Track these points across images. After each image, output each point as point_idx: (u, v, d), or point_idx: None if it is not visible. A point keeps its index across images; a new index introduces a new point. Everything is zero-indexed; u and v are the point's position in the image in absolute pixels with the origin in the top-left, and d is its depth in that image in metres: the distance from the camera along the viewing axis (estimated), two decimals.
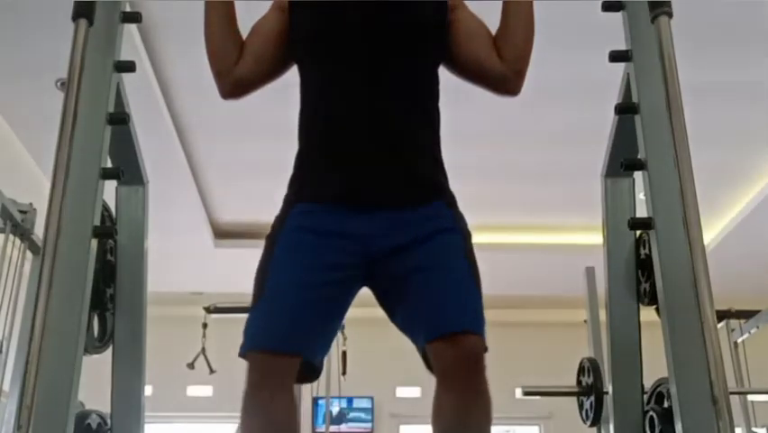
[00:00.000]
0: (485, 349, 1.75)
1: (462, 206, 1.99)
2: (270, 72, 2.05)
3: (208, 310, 4.95)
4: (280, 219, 1.91)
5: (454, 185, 2.02)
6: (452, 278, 1.82)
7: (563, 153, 5.89)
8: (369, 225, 1.85)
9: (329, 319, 1.87)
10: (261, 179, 5.30)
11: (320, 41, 1.99)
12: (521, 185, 6.53)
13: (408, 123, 1.93)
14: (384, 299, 1.91)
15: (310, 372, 1.87)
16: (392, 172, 1.89)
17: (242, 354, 1.77)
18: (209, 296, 5.46)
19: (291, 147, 2.04)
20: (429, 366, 1.85)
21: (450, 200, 1.94)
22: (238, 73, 2.01)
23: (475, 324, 1.76)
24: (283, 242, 1.86)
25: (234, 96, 2.05)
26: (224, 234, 7.46)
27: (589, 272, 4.57)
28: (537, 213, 7.12)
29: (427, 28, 2.00)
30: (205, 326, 5.09)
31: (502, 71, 2.02)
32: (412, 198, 1.88)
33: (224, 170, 6.36)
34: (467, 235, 1.90)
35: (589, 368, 3.70)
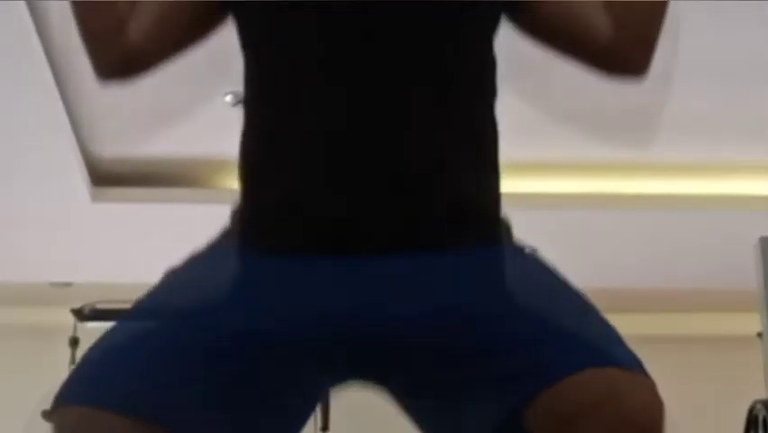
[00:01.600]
0: (654, 391, 1.19)
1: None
2: (184, 38, 1.50)
3: (80, 315, 3.80)
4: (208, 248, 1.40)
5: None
6: (557, 303, 1.29)
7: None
8: (362, 276, 1.30)
9: (261, 398, 1.31)
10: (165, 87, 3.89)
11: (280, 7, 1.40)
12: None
13: (442, 140, 1.36)
14: (410, 394, 1.35)
15: None
16: (402, 204, 1.33)
17: (54, 408, 1.25)
18: (82, 289, 4.08)
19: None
20: None
21: (502, 232, 1.38)
22: (128, 43, 1.45)
23: (629, 357, 1.23)
24: (194, 272, 1.37)
25: (121, 78, 1.50)
26: (107, 178, 5.45)
27: (765, 246, 3.36)
28: (671, 140, 4.73)
29: None
30: (74, 343, 3.83)
31: (618, 45, 1.44)
32: (439, 242, 1.33)
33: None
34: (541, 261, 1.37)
35: (767, 419, 2.82)
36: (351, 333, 1.30)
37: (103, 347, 1.30)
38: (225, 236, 1.42)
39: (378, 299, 1.30)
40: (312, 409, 1.43)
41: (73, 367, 1.31)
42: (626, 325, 1.30)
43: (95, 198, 5.45)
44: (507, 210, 1.43)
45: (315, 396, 1.44)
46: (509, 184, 1.46)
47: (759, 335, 3.40)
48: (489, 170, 1.41)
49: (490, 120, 1.44)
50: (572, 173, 4.64)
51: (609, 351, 1.25)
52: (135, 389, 1.26)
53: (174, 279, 1.38)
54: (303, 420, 1.41)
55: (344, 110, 1.36)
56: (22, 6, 3.97)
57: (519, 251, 1.39)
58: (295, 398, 1.38)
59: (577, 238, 1.22)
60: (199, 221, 1.68)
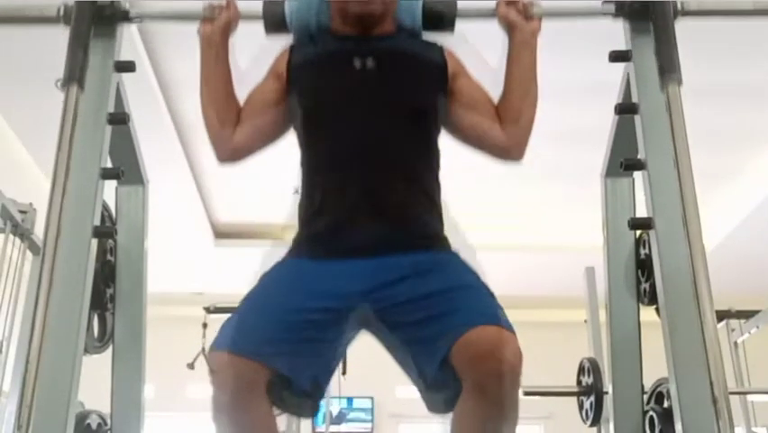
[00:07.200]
0: (516, 343, 1.70)
1: (462, 206, 2.00)
2: (268, 141, 2.07)
3: (208, 310, 4.99)
4: (279, 261, 1.94)
5: (455, 185, 2.01)
6: (462, 291, 1.81)
7: (563, 153, 5.88)
8: (364, 271, 1.85)
9: (310, 338, 1.83)
10: (262, 180, 5.39)
11: (317, 116, 1.99)
12: (521, 185, 6.52)
13: (407, 193, 1.93)
14: (390, 331, 1.88)
15: (294, 394, 1.83)
16: (388, 234, 1.89)
17: (210, 353, 1.79)
18: (209, 296, 5.47)
19: (291, 148, 2.04)
20: (430, 407, 1.86)
21: (444, 244, 1.95)
22: (235, 142, 2.04)
23: (506, 321, 1.73)
24: (278, 269, 1.91)
25: (231, 162, 2.08)
26: (223, 234, 7.47)
27: (589, 272, 4.60)
28: (537, 213, 7.08)
29: (427, 105, 2.00)
30: (205, 326, 5.07)
31: (504, 143, 2.03)
32: (405, 250, 1.87)
33: (224, 170, 6.27)
34: (465, 261, 1.92)
35: (590, 368, 3.79)
36: (368, 295, 1.83)
37: (233, 318, 1.84)
38: (291, 253, 1.95)
39: (380, 279, 1.84)
40: (345, 350, 1.96)
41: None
42: (508, 315, 1.78)
43: (216, 246, 7.59)
44: None
45: (347, 342, 1.94)
46: None
47: (585, 321, 4.67)
48: (436, 208, 1.97)
49: (437, 180, 2.00)
50: None
51: (497, 316, 1.74)
52: (251, 340, 1.77)
53: (267, 278, 1.90)
54: (340, 358, 1.94)
55: (361, 177, 1.90)
56: (160, 98, 5.26)
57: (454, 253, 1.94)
58: (342, 343, 1.90)
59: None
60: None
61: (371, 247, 1.87)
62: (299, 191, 2.00)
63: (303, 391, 1.83)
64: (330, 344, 1.87)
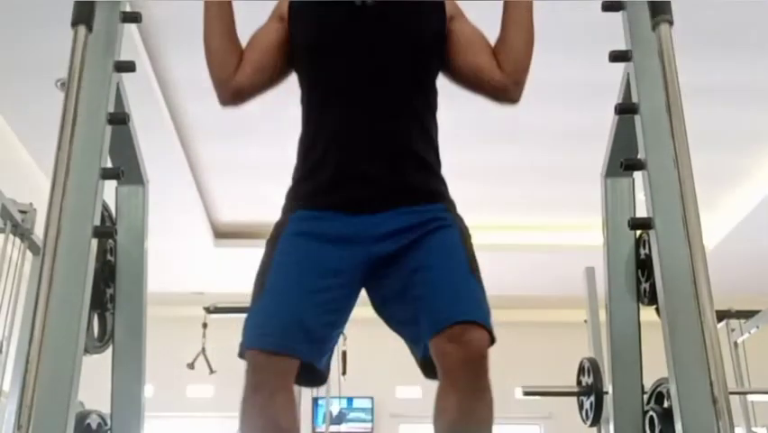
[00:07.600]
0: (492, 341, 1.76)
1: (463, 206, 2.02)
2: (269, 81, 2.08)
3: (208, 310, 5.01)
4: (280, 225, 1.95)
5: (455, 184, 2.04)
6: (452, 275, 1.84)
7: (564, 153, 5.90)
8: (367, 230, 1.89)
9: (329, 323, 1.89)
10: (261, 180, 5.43)
11: (318, 55, 2.02)
12: (521, 185, 6.54)
13: (407, 138, 1.96)
14: (382, 303, 1.93)
15: (312, 375, 1.90)
16: (390, 185, 1.93)
17: (241, 354, 1.80)
18: (209, 296, 5.49)
19: (291, 147, 2.05)
20: (427, 374, 1.89)
21: (447, 204, 1.98)
22: (237, 82, 2.04)
23: (479, 314, 1.77)
24: (283, 246, 1.90)
25: (233, 104, 2.07)
26: (224, 234, 7.49)
27: (589, 272, 4.60)
28: (537, 213, 7.11)
29: (427, 43, 2.02)
30: (205, 326, 5.12)
31: (502, 81, 2.04)
32: (408, 204, 1.92)
33: (224, 171, 6.36)
34: (465, 234, 1.93)
35: (589, 368, 3.77)
36: (369, 250, 1.87)
37: (256, 311, 1.84)
38: (288, 216, 1.94)
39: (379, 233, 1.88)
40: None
41: (245, 330, 1.82)
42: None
43: (216, 246, 7.60)
44: None
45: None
46: None
47: (585, 321, 4.67)
48: (435, 158, 2.01)
49: (436, 125, 2.04)
50: None
51: (468, 312, 1.77)
52: (278, 332, 1.79)
53: (281, 257, 1.88)
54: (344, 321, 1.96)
55: (363, 124, 1.93)
56: (160, 98, 5.28)
57: (455, 218, 1.95)
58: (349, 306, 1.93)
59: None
60: None
61: (374, 200, 1.90)
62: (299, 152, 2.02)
63: (319, 371, 1.91)
64: (344, 310, 1.92)
